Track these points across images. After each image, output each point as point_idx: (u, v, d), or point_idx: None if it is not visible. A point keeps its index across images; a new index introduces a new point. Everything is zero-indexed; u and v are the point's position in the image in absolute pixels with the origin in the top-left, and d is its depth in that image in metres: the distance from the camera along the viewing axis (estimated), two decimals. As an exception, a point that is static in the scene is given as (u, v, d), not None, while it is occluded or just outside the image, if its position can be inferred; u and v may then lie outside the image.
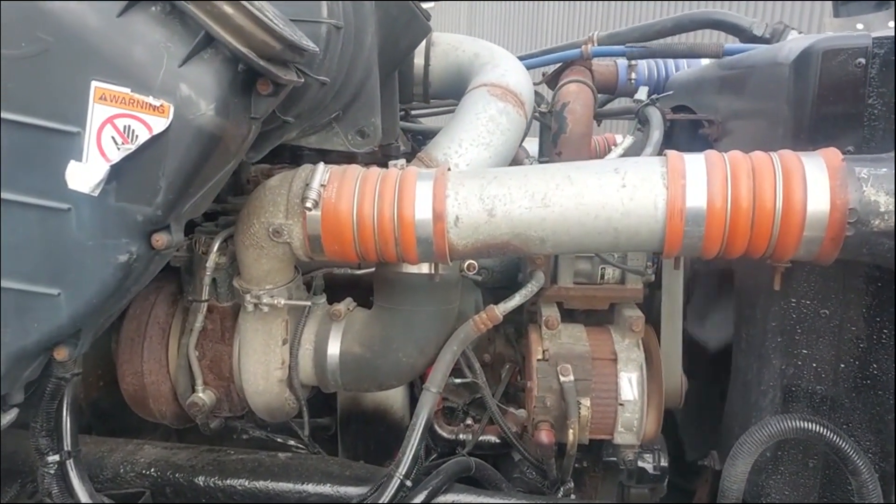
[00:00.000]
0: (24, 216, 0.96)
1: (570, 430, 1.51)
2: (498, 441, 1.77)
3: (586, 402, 1.53)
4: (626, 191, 1.19)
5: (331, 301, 1.60)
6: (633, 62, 2.31)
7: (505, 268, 1.80)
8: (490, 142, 1.54)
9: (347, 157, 1.74)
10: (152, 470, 1.55)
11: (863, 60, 1.23)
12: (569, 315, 1.70)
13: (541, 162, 1.97)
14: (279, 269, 1.41)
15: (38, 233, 0.97)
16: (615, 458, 1.67)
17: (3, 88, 0.92)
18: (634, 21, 7.86)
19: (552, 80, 2.12)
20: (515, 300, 1.51)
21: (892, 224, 1.09)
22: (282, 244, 1.33)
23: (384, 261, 1.35)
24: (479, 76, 1.71)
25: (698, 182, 1.16)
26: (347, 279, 1.75)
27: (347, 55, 1.30)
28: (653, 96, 1.75)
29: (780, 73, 1.35)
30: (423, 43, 1.88)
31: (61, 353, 1.06)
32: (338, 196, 1.28)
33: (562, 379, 1.51)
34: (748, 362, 1.49)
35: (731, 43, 1.88)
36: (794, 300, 1.35)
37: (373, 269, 1.60)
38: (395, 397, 1.81)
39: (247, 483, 1.52)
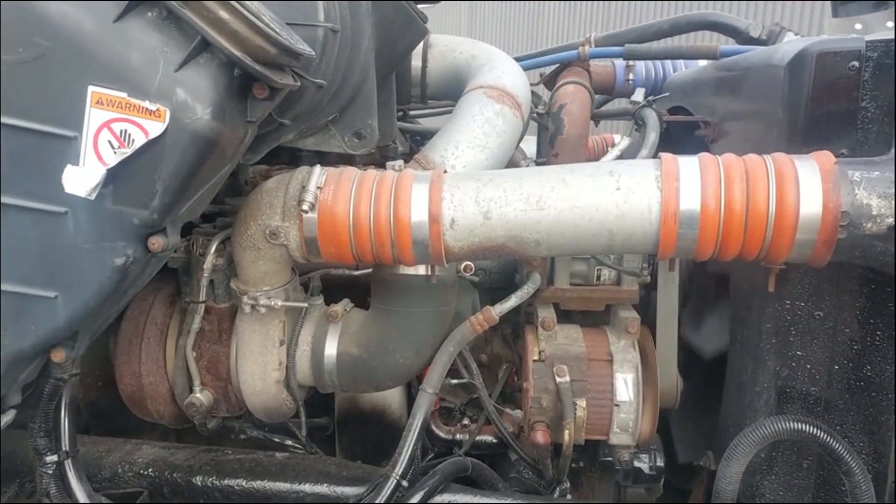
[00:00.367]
0: (21, 219, 0.97)
1: (566, 431, 1.52)
2: (495, 441, 1.78)
3: (582, 402, 1.54)
4: (621, 193, 1.20)
5: (328, 302, 1.61)
6: (631, 63, 2.31)
7: (502, 269, 1.81)
8: (486, 144, 1.55)
9: (346, 159, 1.75)
10: (150, 470, 1.56)
11: (856, 63, 1.23)
12: (565, 316, 1.71)
13: (538, 163, 1.98)
14: (276, 271, 1.42)
15: (35, 236, 0.97)
16: (611, 459, 1.68)
17: (4, 94, 0.92)
18: (634, 22, 7.86)
19: (550, 81, 2.13)
20: (512, 301, 1.52)
21: (885, 227, 1.10)
22: (278, 246, 1.34)
23: (380, 263, 1.36)
24: (476, 78, 1.71)
25: (692, 184, 1.16)
26: (345, 280, 1.75)
27: (344, 58, 1.30)
28: (649, 98, 1.76)
29: (775, 76, 1.36)
30: (421, 44, 1.89)
31: (58, 356, 1.06)
32: (334, 198, 1.29)
33: (558, 380, 1.52)
34: (743, 363, 1.49)
35: (728, 45, 1.89)
36: (788, 302, 1.36)
37: (370, 270, 1.60)
38: (392, 398, 1.81)
39: (244, 483, 1.53)
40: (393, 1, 1.43)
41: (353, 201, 1.29)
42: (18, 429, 1.52)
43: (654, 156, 1.43)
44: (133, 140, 0.94)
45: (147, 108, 0.94)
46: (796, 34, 1.95)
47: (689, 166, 1.19)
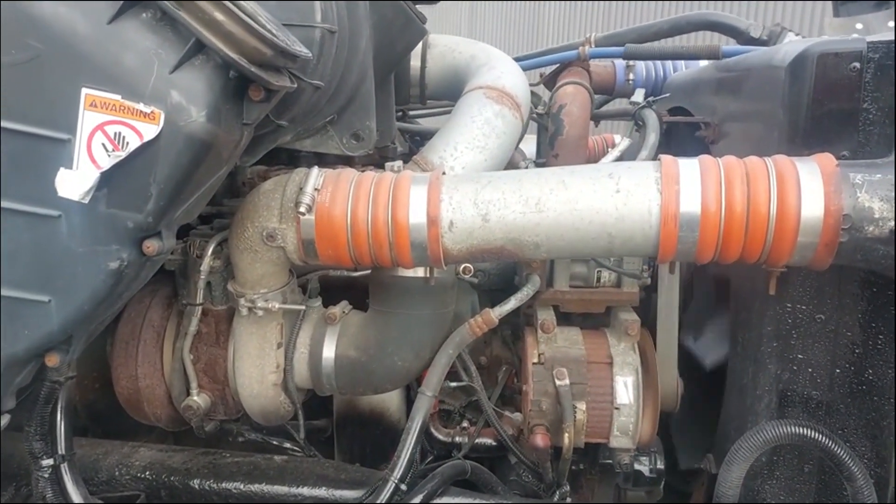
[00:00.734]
0: (14, 223, 0.96)
1: (566, 434, 1.51)
2: (494, 444, 1.77)
3: (582, 405, 1.53)
4: (621, 196, 1.19)
5: (326, 304, 1.60)
6: (631, 63, 2.31)
7: (501, 271, 1.80)
8: (486, 145, 1.54)
9: (345, 160, 1.74)
10: (147, 473, 1.55)
11: (858, 65, 1.22)
12: (565, 319, 1.70)
13: (538, 164, 1.97)
14: (273, 273, 1.41)
15: (29, 240, 0.96)
16: (611, 461, 1.67)
17: (-3, 96, 0.92)
18: (635, 22, 7.85)
19: (550, 82, 2.12)
20: (511, 304, 1.51)
21: (887, 230, 1.09)
22: (276, 248, 1.33)
23: (379, 265, 1.35)
24: (476, 78, 1.70)
25: (692, 187, 1.15)
26: (343, 281, 1.74)
27: (342, 59, 1.29)
28: (649, 99, 1.75)
29: (776, 77, 1.35)
30: (420, 45, 1.88)
31: (52, 360, 1.05)
32: (332, 200, 1.28)
33: (557, 383, 1.51)
34: (744, 367, 1.48)
35: (729, 45, 1.88)
36: (789, 305, 1.35)
37: (368, 272, 1.59)
38: (391, 400, 1.80)
39: (242, 486, 1.53)
40: (391, 1, 1.42)
41: (350, 203, 1.28)
42: (15, 431, 1.53)
43: (654, 157, 1.42)
44: (127, 143, 0.93)
45: (141, 111, 0.93)
46: (797, 34, 1.94)
47: (689, 168, 1.18)
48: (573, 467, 1.84)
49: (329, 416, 1.88)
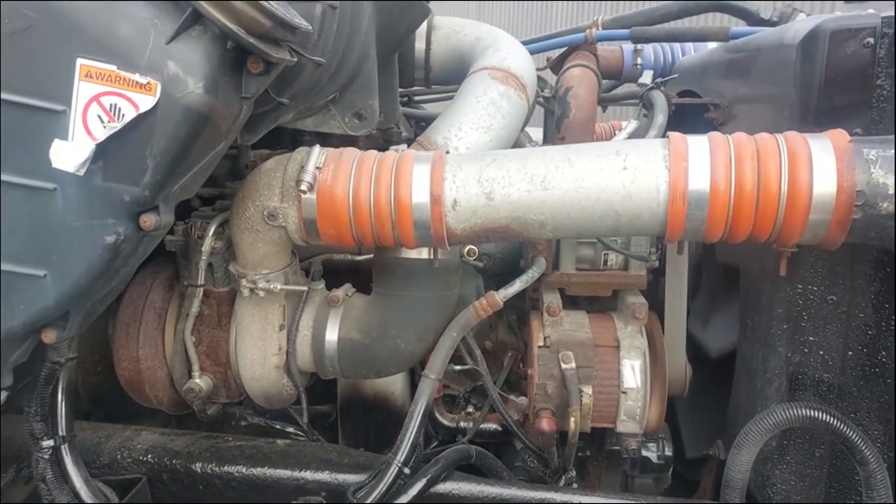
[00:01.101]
0: (9, 196, 0.94)
1: (572, 418, 1.49)
2: (499, 429, 1.75)
3: (588, 389, 1.51)
4: (628, 173, 1.17)
5: (330, 288, 1.58)
6: (639, 47, 2.28)
7: (506, 254, 1.78)
8: (490, 125, 1.52)
9: (349, 143, 1.72)
10: (149, 456, 1.55)
11: (871, 41, 1.20)
12: (572, 302, 1.68)
13: (544, 148, 1.94)
14: (275, 254, 1.39)
15: (24, 213, 0.95)
16: (618, 448, 1.65)
17: (-9, 66, 0.90)
18: (645, 6, 7.82)
19: (557, 65, 2.09)
20: (516, 286, 1.49)
21: (901, 207, 1.06)
22: (277, 228, 1.31)
23: (381, 245, 1.33)
24: (481, 60, 1.68)
25: (701, 164, 1.13)
26: (347, 265, 1.73)
27: (343, 36, 1.27)
28: (657, 80, 1.72)
29: (787, 56, 1.32)
30: (425, 27, 1.86)
31: (49, 336, 1.04)
32: (333, 179, 1.26)
33: (563, 366, 1.49)
34: (753, 350, 1.46)
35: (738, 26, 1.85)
36: (800, 286, 1.32)
37: (372, 256, 1.58)
38: (395, 384, 1.79)
39: (244, 470, 1.52)
40: (394, -22, 1.40)
41: (352, 182, 1.26)
42: (16, 414, 1.53)
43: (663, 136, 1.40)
44: (123, 114, 0.92)
45: (137, 82, 0.91)
46: (808, 16, 1.90)
47: (698, 145, 1.15)
48: (580, 454, 1.82)
49: (333, 402, 1.87)
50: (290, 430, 1.74)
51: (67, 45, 0.91)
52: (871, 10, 2.09)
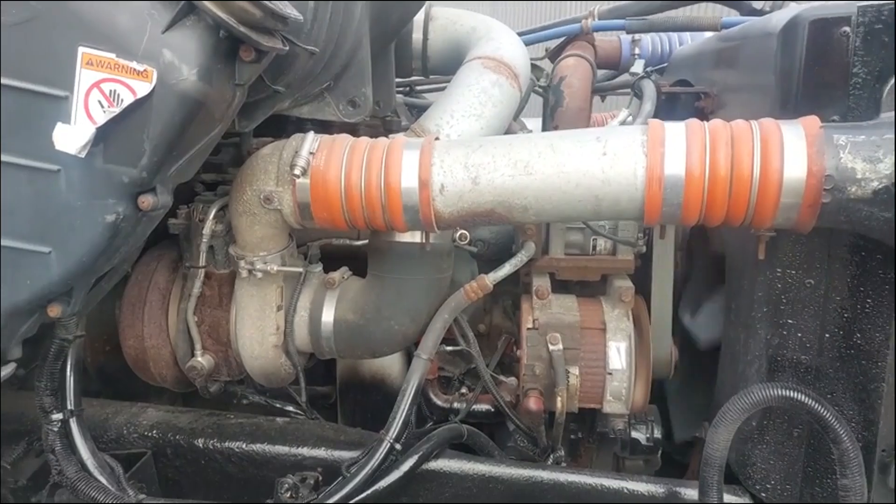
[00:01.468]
0: (15, 177, 1.00)
1: (559, 398, 1.54)
2: (492, 410, 1.80)
3: (575, 370, 1.56)
4: (607, 159, 1.21)
5: (328, 271, 1.64)
6: (637, 37, 2.31)
7: (500, 240, 1.83)
8: (482, 113, 1.56)
9: (350, 130, 1.77)
10: (154, 432, 1.61)
11: (847, 29, 1.22)
12: (564, 286, 1.73)
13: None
14: (272, 237, 1.45)
15: (29, 193, 1.01)
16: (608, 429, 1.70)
17: (-2, 54, 0.96)
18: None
19: (555, 55, 2.13)
20: (505, 269, 1.54)
21: (869, 191, 1.10)
22: (273, 211, 1.37)
23: (373, 228, 1.38)
24: (475, 49, 1.73)
25: (677, 150, 1.17)
26: (345, 251, 1.78)
27: (337, 25, 1.32)
28: (648, 69, 1.76)
29: (769, 44, 1.35)
30: (423, 17, 1.90)
31: (54, 311, 1.10)
32: (326, 164, 1.31)
33: (550, 347, 1.54)
34: (736, 333, 1.50)
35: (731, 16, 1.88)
36: (779, 270, 1.36)
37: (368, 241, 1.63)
38: (392, 366, 1.85)
39: (244, 446, 1.58)
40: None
41: (344, 167, 1.31)
42: (28, 391, 1.60)
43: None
44: (122, 99, 0.97)
45: (135, 69, 0.97)
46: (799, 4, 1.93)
47: (674, 132, 1.19)
48: (572, 436, 1.87)
49: (333, 383, 1.93)
50: (290, 409, 1.79)
51: (70, 35, 0.96)
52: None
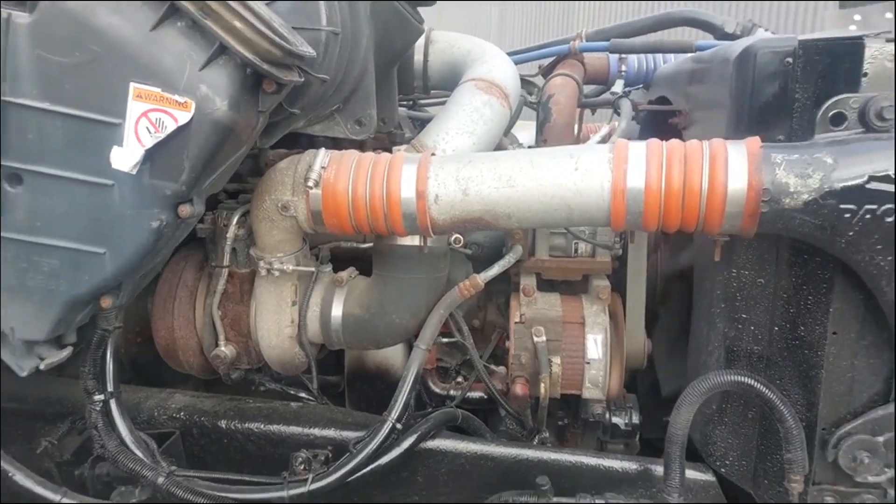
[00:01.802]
0: (78, 190, 1.20)
1: (542, 385, 1.72)
2: (485, 397, 1.98)
3: (557, 359, 1.74)
4: (578, 173, 1.39)
5: (338, 271, 1.83)
6: (624, 56, 2.48)
7: (493, 243, 2.00)
8: (474, 130, 1.75)
9: (358, 144, 1.96)
10: (182, 414, 1.78)
11: (790, 60, 1.40)
12: (549, 285, 1.91)
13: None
14: (288, 240, 1.64)
15: (89, 203, 1.21)
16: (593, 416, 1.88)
17: (63, 89, 1.16)
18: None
19: (547, 72, 2.32)
20: (495, 269, 1.73)
21: (800, 202, 1.27)
22: (289, 217, 1.56)
23: (376, 233, 1.57)
24: (470, 71, 1.92)
25: (638, 166, 1.35)
26: (352, 253, 1.97)
27: (345, 56, 1.51)
28: (626, 89, 1.94)
29: (727, 69, 1.53)
30: (423, 41, 2.09)
31: (106, 302, 1.30)
32: (335, 177, 1.50)
33: (535, 339, 1.72)
34: (700, 327, 1.68)
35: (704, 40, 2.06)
36: (734, 270, 1.53)
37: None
38: (394, 358, 2.02)
39: (262, 426, 1.75)
40: (389, 2, 1.63)
41: (351, 180, 1.50)
42: (70, 377, 1.79)
43: (630, 139, 1.61)
44: (165, 126, 1.17)
45: (176, 101, 1.16)
46: (766, 30, 2.11)
47: (636, 151, 1.37)
48: (559, 423, 2.05)
49: (341, 373, 2.11)
50: (303, 395, 1.98)
51: (123, 73, 1.15)
52: (858, 17, 2.29)
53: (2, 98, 1.16)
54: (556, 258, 1.84)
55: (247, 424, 1.76)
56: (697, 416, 1.58)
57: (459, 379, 2.01)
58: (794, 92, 1.40)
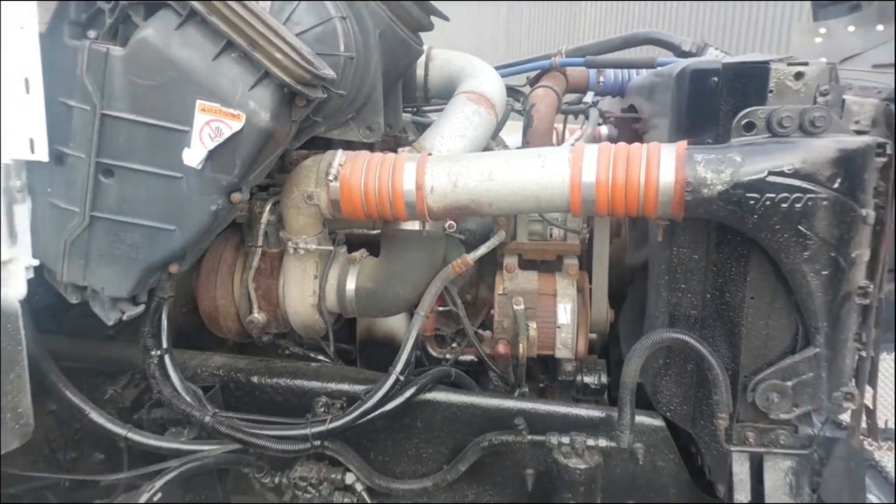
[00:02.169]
0: (156, 181, 1.55)
1: (521, 345, 2.08)
2: (475, 360, 2.32)
3: (533, 324, 2.09)
4: (545, 171, 1.74)
5: (351, 252, 2.18)
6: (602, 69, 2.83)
7: (484, 230, 2.35)
8: (465, 134, 2.11)
9: (368, 145, 2.32)
10: (221, 371, 2.12)
11: (716, 79, 1.73)
12: (531, 264, 2.26)
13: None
14: (311, 225, 1.99)
15: (164, 191, 1.55)
16: (569, 378, 2.22)
17: (146, 104, 1.51)
18: (670, 20, 8.29)
19: (533, 82, 2.67)
20: (481, 250, 2.08)
21: (716, 192, 1.61)
22: (313, 206, 1.91)
23: (383, 219, 1.93)
24: (463, 85, 2.27)
25: (591, 165, 1.70)
26: (364, 238, 2.33)
27: (358, 75, 1.87)
28: (595, 99, 2.29)
29: (669, 85, 1.87)
30: (425, 58, 2.45)
31: (174, 268, 1.66)
32: (350, 173, 1.86)
33: (515, 308, 2.08)
34: (649, 296, 2.02)
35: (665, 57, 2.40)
36: (675, 248, 1.84)
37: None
38: (399, 327, 2.36)
39: (288, 381, 2.09)
40: (394, 31, 1.98)
41: (364, 175, 1.86)
42: (126, 341, 2.14)
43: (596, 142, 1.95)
44: (223, 133, 1.52)
45: (232, 113, 1.51)
46: (716, 49, 2.45)
47: (590, 152, 1.72)
48: (541, 384, 2.40)
49: (353, 342, 2.46)
50: (321, 357, 2.34)
51: (191, 92, 1.50)
52: (823, 30, 2.59)
53: (101, 111, 1.51)
54: (535, 241, 2.19)
55: (275, 380, 2.10)
56: (648, 369, 1.92)
57: (454, 345, 2.36)
58: (719, 104, 1.72)
